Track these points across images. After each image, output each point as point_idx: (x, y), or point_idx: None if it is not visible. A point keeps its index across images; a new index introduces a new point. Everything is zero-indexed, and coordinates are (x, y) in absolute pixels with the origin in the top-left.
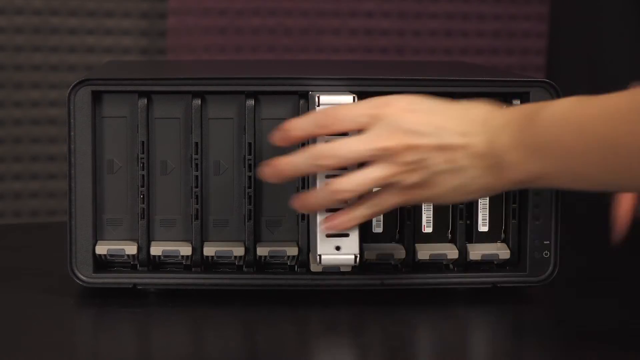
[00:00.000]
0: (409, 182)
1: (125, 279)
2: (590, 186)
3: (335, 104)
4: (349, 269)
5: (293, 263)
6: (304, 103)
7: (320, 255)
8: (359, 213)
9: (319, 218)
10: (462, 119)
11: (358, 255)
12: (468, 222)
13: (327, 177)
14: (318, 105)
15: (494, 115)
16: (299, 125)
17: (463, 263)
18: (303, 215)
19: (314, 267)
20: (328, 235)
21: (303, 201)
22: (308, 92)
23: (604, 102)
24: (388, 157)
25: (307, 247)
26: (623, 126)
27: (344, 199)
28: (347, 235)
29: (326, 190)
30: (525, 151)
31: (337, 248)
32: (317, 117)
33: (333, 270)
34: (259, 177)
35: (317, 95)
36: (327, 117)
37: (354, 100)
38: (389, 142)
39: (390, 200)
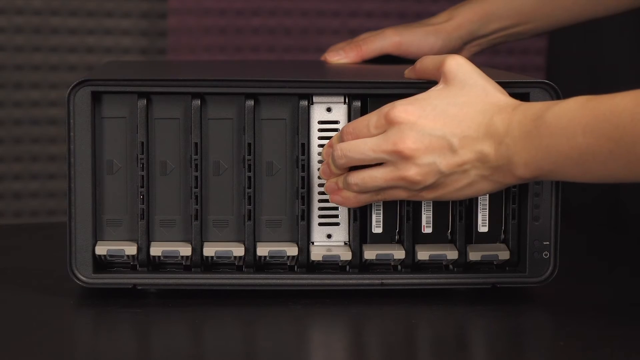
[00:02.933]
0: (418, 186)
1: (125, 279)
2: (596, 180)
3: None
4: (347, 261)
5: (293, 263)
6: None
7: (312, 242)
8: (364, 198)
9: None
10: (471, 122)
11: (349, 243)
12: (468, 222)
13: None
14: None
15: (500, 118)
16: (325, 170)
17: (463, 263)
18: (303, 215)
19: (314, 256)
20: (320, 224)
21: (324, 172)
22: (307, 94)
23: (608, 101)
24: (399, 160)
25: (307, 247)
26: (630, 123)
27: (357, 195)
28: (337, 224)
29: (341, 178)
30: (534, 152)
31: (329, 236)
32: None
33: (331, 264)
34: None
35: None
36: (348, 128)
37: (344, 98)
38: (400, 147)
39: (397, 195)
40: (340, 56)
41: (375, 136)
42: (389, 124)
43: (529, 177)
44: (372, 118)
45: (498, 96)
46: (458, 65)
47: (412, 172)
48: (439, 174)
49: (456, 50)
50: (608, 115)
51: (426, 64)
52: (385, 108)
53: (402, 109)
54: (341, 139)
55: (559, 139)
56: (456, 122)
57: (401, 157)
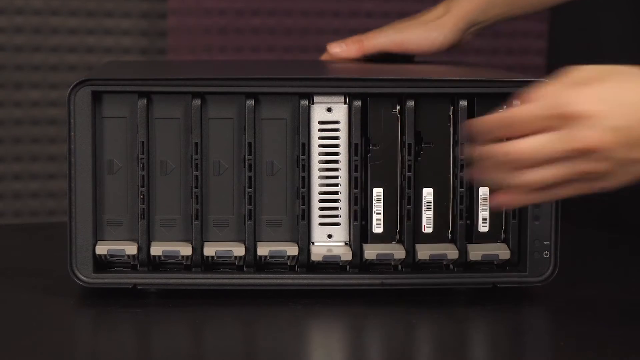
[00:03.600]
0: (594, 177)
1: (125, 279)
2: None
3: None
4: (348, 261)
5: (293, 263)
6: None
7: (313, 242)
8: (534, 198)
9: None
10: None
11: (349, 243)
12: (468, 222)
13: None
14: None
15: None
16: (488, 124)
17: (463, 263)
18: (303, 215)
19: (314, 256)
20: (321, 224)
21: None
22: (308, 93)
23: None
24: (579, 158)
25: (307, 247)
26: None
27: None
28: (338, 224)
29: (514, 176)
30: None
31: (329, 236)
32: (504, 120)
33: (331, 264)
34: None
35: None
36: (514, 119)
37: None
38: (586, 142)
39: (570, 191)
40: (341, 48)
41: (547, 133)
42: (565, 119)
43: None
44: (538, 111)
45: None
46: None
47: (601, 165)
48: (617, 164)
49: (456, 41)
50: None
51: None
52: (557, 101)
53: (577, 102)
54: (491, 132)
55: None
56: (625, 113)
57: (586, 154)
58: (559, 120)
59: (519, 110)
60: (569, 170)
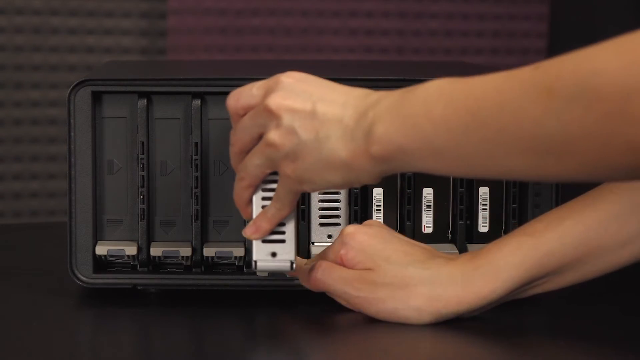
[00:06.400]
0: (278, 153)
1: (125, 279)
2: (449, 167)
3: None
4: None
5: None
6: None
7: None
8: (270, 211)
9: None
10: (343, 91)
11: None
12: (468, 222)
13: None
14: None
15: (377, 92)
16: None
17: None
18: (303, 216)
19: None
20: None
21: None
22: None
23: (481, 79)
24: (266, 118)
25: (307, 247)
26: (492, 98)
27: (246, 185)
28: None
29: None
30: (390, 122)
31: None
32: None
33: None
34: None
35: None
36: (232, 96)
37: None
38: (268, 101)
39: (281, 188)
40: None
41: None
42: (270, 88)
43: (382, 157)
44: (257, 84)
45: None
46: None
47: (273, 135)
48: (296, 136)
49: None
50: (474, 87)
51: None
52: (265, 80)
53: (288, 75)
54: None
55: (418, 107)
56: (328, 90)
57: (270, 119)
58: (266, 90)
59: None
60: (259, 146)
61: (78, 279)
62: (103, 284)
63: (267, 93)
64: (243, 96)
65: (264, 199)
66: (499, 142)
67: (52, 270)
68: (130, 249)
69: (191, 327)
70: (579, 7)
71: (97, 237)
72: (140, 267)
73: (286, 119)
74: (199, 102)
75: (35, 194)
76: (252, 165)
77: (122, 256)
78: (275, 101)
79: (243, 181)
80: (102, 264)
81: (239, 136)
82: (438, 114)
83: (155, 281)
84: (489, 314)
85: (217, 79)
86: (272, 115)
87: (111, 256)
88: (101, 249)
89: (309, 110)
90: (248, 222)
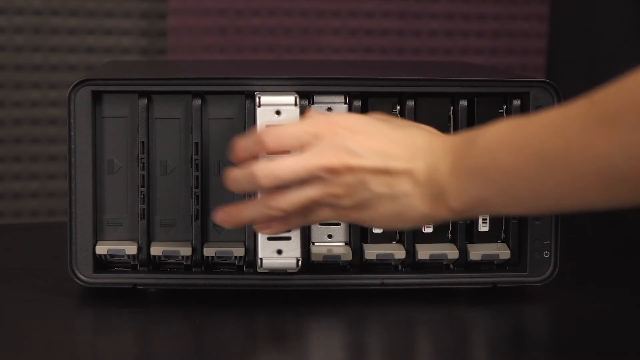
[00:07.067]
0: (345, 204)
1: (125, 279)
2: (529, 209)
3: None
4: (348, 261)
5: None
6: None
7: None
8: (293, 222)
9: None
10: (405, 144)
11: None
12: (468, 222)
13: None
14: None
15: (436, 142)
16: (242, 145)
17: (463, 263)
18: None
19: (314, 256)
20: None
21: (233, 214)
22: (308, 92)
23: (538, 120)
24: (327, 177)
25: (308, 247)
26: (555, 140)
27: (277, 215)
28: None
29: (261, 204)
30: (464, 177)
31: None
32: (259, 136)
33: (331, 264)
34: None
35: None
36: (269, 136)
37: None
38: (329, 161)
39: (324, 215)
40: None
41: (303, 151)
42: (318, 137)
43: (462, 209)
44: (294, 131)
45: (429, 129)
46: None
47: (340, 187)
48: (368, 191)
49: None
50: (534, 132)
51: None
52: (312, 120)
53: (337, 122)
54: (260, 147)
55: (486, 160)
56: (391, 143)
57: (332, 173)
58: (312, 138)
59: (275, 127)
60: (320, 191)
61: (78, 278)
62: (103, 284)
63: (321, 148)
64: (286, 139)
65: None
66: (571, 181)
67: (52, 270)
68: (131, 249)
69: (191, 327)
70: (579, 7)
71: (97, 237)
72: (140, 266)
73: (353, 177)
74: (199, 101)
75: (35, 194)
76: (297, 204)
77: (122, 256)
78: (334, 161)
79: (271, 211)
80: (102, 264)
81: (278, 176)
82: (507, 163)
83: (155, 281)
84: (490, 313)
85: (217, 79)
86: (334, 174)
87: (111, 256)
88: (101, 249)
89: (376, 168)
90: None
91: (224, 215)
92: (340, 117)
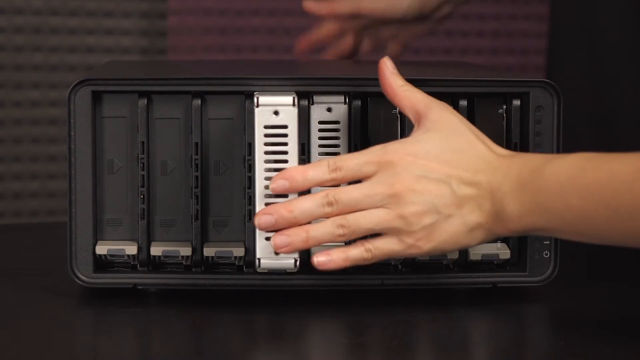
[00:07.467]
0: (414, 227)
1: (125, 279)
2: (591, 241)
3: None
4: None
5: None
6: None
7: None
8: (354, 255)
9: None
10: (468, 165)
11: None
12: None
13: (267, 196)
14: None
15: (496, 161)
16: (308, 177)
17: (463, 263)
18: None
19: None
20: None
21: (299, 234)
22: (308, 92)
23: (608, 169)
24: (397, 203)
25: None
26: (625, 196)
27: (347, 237)
28: None
29: (332, 224)
30: (528, 206)
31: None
32: (322, 168)
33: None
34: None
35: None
36: (332, 167)
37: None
38: (398, 188)
39: (389, 246)
40: (316, 7)
41: (368, 180)
42: (382, 165)
43: (522, 231)
44: (361, 158)
45: (490, 144)
46: (446, 115)
47: (408, 210)
48: (437, 214)
49: (425, 10)
50: (605, 181)
51: (416, 98)
52: (376, 149)
53: (395, 150)
54: (325, 180)
55: (554, 197)
56: (453, 166)
57: (397, 199)
58: (377, 167)
59: (344, 157)
60: (386, 215)
61: (78, 278)
62: (103, 284)
63: (387, 177)
64: (347, 170)
65: (266, 196)
66: (638, 232)
67: (52, 270)
68: (130, 249)
69: (191, 327)
70: (579, 7)
71: (97, 237)
72: (140, 267)
73: (423, 199)
74: (199, 101)
75: (35, 194)
76: (367, 230)
77: (122, 256)
78: (405, 187)
79: (340, 229)
80: (102, 264)
81: (352, 204)
82: (577, 207)
83: (155, 281)
84: (490, 313)
85: (217, 79)
86: (403, 199)
87: (111, 256)
88: (101, 249)
89: (444, 190)
90: (248, 221)
91: (286, 240)
92: (398, 145)
